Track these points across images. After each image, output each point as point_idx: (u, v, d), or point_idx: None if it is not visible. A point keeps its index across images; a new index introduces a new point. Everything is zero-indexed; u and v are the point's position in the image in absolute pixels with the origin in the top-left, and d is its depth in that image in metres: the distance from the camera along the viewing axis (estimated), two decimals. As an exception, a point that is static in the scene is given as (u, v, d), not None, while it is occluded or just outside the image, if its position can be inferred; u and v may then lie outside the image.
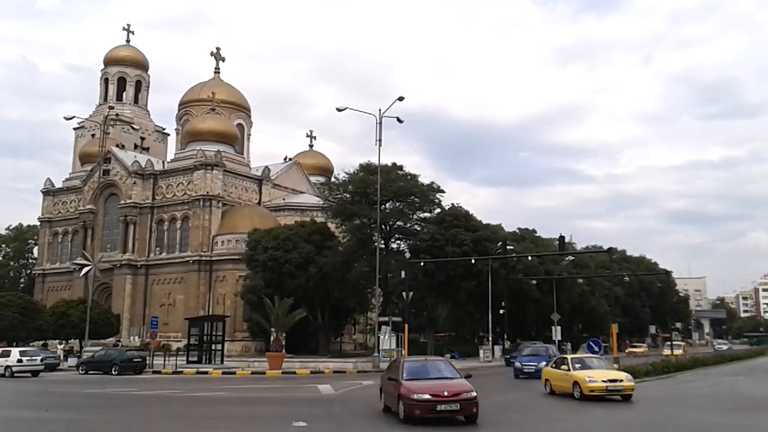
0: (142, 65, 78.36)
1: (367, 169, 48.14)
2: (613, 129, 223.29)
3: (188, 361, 38.05)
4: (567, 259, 58.53)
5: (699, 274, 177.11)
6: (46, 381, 30.45)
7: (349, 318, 58.27)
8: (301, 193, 71.90)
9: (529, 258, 50.81)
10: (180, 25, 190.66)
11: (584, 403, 18.38)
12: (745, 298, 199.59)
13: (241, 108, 75.91)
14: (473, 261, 43.94)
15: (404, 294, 42.84)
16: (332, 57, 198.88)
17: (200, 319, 44.33)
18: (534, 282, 55.40)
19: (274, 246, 49.89)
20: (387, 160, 52.37)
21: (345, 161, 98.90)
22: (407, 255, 48.82)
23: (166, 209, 65.09)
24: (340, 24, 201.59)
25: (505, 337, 52.67)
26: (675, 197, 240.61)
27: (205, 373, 33.60)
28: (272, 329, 40.12)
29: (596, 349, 30.63)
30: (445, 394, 13.95)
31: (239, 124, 74.06)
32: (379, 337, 39.14)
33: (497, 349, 48.82)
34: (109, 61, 76.94)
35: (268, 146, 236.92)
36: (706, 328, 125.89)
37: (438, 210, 50.64)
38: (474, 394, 14.11)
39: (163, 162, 71.33)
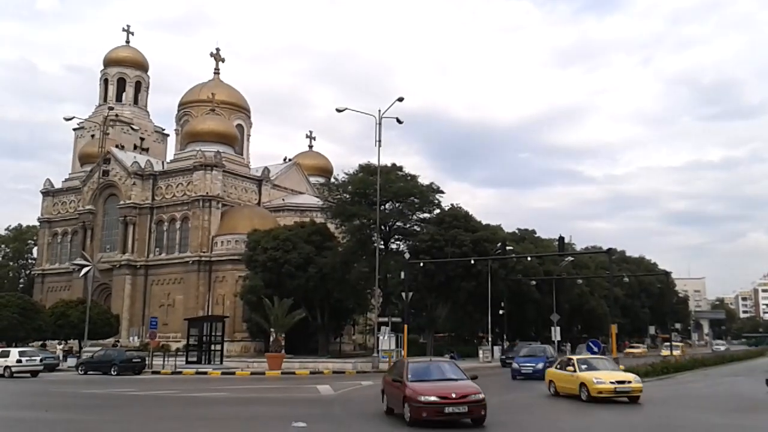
0: (141, 66, 78.42)
1: (367, 169, 48.12)
2: (613, 130, 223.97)
3: (187, 362, 38.02)
4: (566, 259, 58.48)
5: (699, 275, 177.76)
6: (45, 381, 30.37)
7: (348, 318, 58.21)
8: (301, 193, 71.91)
9: (529, 258, 50.91)
10: (180, 25, 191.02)
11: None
12: (744, 299, 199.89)
13: (241, 109, 75.95)
14: (473, 261, 43.97)
15: (404, 294, 42.79)
16: (332, 58, 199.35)
17: (200, 319, 44.29)
18: (533, 282, 55.38)
19: (274, 246, 49.88)
20: (387, 160, 52.32)
21: (345, 162, 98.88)
22: (407, 255, 48.85)
23: (166, 210, 65.11)
24: (339, 25, 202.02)
25: (505, 337, 52.66)
26: (675, 198, 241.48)
27: (205, 373, 33.56)
28: (272, 330, 40.07)
29: (595, 349, 30.34)
30: (453, 396, 13.52)
31: (239, 125, 74.09)
32: (378, 338, 39.05)
33: (497, 349, 48.76)
34: (108, 62, 77.00)
35: (268, 147, 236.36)
36: (706, 329, 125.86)
37: (438, 210, 50.74)
38: (482, 396, 13.74)
39: (163, 162, 71.34)
